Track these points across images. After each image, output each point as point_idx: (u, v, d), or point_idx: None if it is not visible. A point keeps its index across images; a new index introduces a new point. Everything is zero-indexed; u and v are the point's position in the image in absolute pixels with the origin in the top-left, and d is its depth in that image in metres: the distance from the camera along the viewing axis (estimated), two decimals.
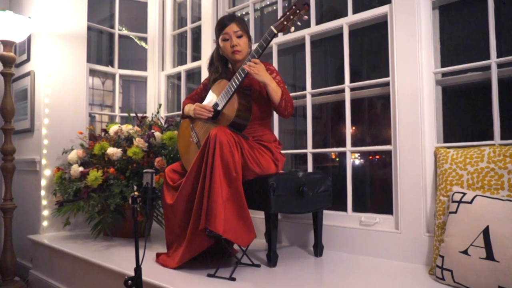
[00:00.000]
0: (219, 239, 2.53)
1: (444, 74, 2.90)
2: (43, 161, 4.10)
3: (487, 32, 2.64)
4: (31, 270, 3.90)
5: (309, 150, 3.51)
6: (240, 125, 2.75)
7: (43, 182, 4.09)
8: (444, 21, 2.94)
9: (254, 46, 2.74)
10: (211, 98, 2.93)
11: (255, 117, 2.83)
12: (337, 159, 3.69)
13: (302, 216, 3.31)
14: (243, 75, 2.68)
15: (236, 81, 2.70)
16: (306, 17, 2.61)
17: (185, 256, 2.61)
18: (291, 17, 2.59)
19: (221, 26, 2.90)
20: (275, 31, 2.61)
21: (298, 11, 2.57)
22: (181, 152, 3.07)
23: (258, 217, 3.32)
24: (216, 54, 3.01)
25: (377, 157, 3.41)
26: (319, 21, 3.57)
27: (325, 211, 3.08)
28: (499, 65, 2.61)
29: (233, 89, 2.72)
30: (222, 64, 3.02)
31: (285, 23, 2.60)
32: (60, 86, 4.25)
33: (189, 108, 3.00)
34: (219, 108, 2.80)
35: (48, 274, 3.63)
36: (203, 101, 3.02)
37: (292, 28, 2.64)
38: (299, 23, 2.63)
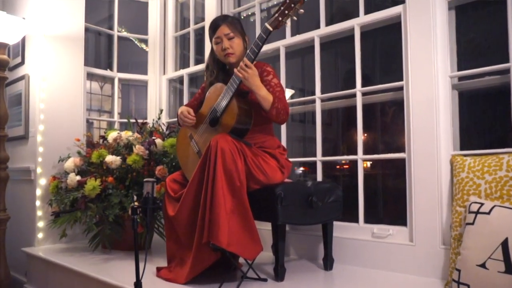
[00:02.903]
0: (223, 252, 2.55)
1: (460, 78, 2.92)
2: (38, 170, 4.14)
3: (506, 33, 2.66)
4: (25, 285, 3.94)
5: (319, 158, 3.54)
6: (242, 130, 2.78)
7: (38, 192, 4.13)
8: (460, 22, 2.96)
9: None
10: (207, 104, 2.96)
11: (255, 123, 2.84)
12: (346, 167, 3.71)
13: (311, 227, 3.33)
14: (237, 82, 2.72)
15: (234, 84, 2.73)
16: (302, 11, 2.60)
17: (192, 271, 2.64)
18: (286, 11, 2.59)
19: (213, 28, 2.97)
20: (270, 28, 2.62)
21: (293, 5, 2.57)
22: (181, 162, 3.10)
23: (264, 228, 3.34)
24: (211, 57, 3.08)
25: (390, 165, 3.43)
26: (329, 22, 3.61)
27: (335, 223, 3.10)
28: None
29: (231, 94, 2.75)
30: (218, 67, 3.06)
31: (280, 18, 2.60)
32: (56, 91, 4.30)
33: (179, 111, 3.06)
34: (218, 114, 2.83)
35: None
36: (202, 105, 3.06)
37: (288, 23, 2.65)
38: (295, 18, 2.63)
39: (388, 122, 3.47)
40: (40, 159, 4.16)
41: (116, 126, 4.96)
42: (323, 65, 3.60)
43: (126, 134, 3.91)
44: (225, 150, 2.52)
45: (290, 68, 3.90)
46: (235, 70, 2.68)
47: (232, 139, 2.61)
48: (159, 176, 3.56)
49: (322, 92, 3.58)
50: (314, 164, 3.59)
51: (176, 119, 4.85)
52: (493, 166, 2.46)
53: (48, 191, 4.04)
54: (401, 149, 3.09)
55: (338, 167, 3.81)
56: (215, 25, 2.94)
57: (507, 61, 2.65)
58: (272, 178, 2.79)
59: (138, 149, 3.64)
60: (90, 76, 4.83)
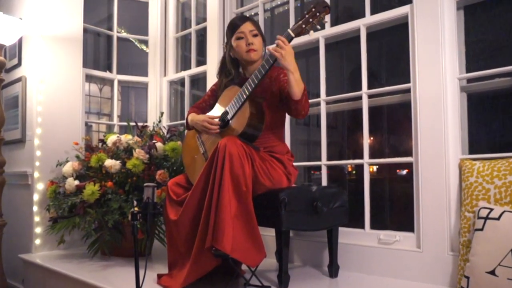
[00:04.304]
0: (226, 258, 2.55)
1: (469, 80, 2.94)
2: (36, 174, 4.16)
3: None
4: None
5: (324, 162, 3.56)
6: (252, 135, 2.78)
7: (36, 197, 4.15)
8: (469, 23, 2.98)
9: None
10: (220, 106, 2.98)
11: (267, 127, 2.85)
12: (354, 172, 3.72)
13: (316, 233, 3.34)
14: (253, 85, 2.70)
15: (249, 87, 2.72)
16: (326, 20, 2.61)
17: (190, 277, 2.64)
18: (311, 20, 2.58)
19: (234, 26, 2.96)
20: (292, 34, 2.61)
21: (318, 14, 2.56)
22: (186, 164, 3.12)
23: (268, 234, 3.36)
24: (228, 56, 3.05)
25: (398, 170, 3.44)
26: (334, 23, 3.63)
27: (340, 228, 3.11)
28: None
29: (245, 96, 2.74)
30: (235, 67, 3.06)
31: (304, 26, 2.59)
32: (54, 93, 4.33)
33: (192, 119, 3.04)
34: (229, 116, 2.84)
35: None
36: (212, 109, 3.07)
37: (311, 32, 2.63)
38: (318, 27, 2.62)
39: (395, 125, 3.48)
40: (37, 163, 4.18)
41: (116, 129, 4.99)
42: (328, 66, 3.61)
43: (126, 138, 3.92)
44: (233, 154, 2.53)
45: None
46: (270, 49, 2.63)
47: (241, 142, 2.62)
48: (159, 181, 3.58)
49: (327, 94, 3.60)
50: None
51: (177, 122, 4.90)
52: (503, 170, 2.47)
53: (45, 196, 4.05)
54: (408, 153, 3.10)
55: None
56: (237, 23, 2.95)
57: None
58: (278, 185, 2.81)
59: (138, 153, 3.65)
60: (89, 78, 4.86)
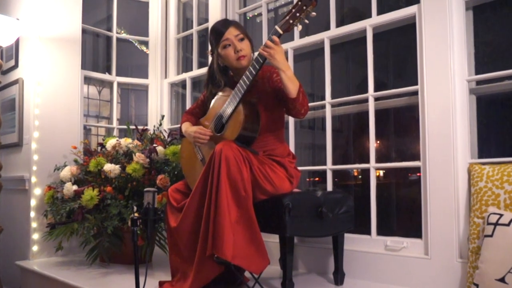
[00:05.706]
0: (228, 265, 2.55)
1: (478, 82, 2.95)
2: (33, 179, 4.18)
3: None
4: None
5: (329, 166, 3.57)
6: (248, 138, 2.79)
7: (33, 202, 4.16)
8: (478, 23, 2.99)
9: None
10: (214, 110, 2.97)
11: (264, 129, 2.85)
12: (360, 176, 3.73)
13: (321, 240, 3.35)
14: (245, 87, 2.71)
15: (242, 89, 2.72)
16: (314, 13, 2.60)
17: (194, 285, 2.65)
18: (297, 14, 2.58)
19: (217, 33, 2.91)
20: (280, 31, 2.61)
21: (304, 7, 2.56)
22: (184, 170, 3.13)
23: (271, 241, 3.36)
24: (217, 66, 3.00)
25: (410, 174, 3.45)
26: (339, 23, 3.64)
27: (346, 235, 3.12)
28: None
29: (237, 99, 2.74)
30: (224, 77, 3.02)
31: (291, 21, 2.60)
32: (52, 96, 4.35)
33: (185, 130, 3.05)
34: (224, 120, 2.84)
35: None
36: (204, 115, 3.08)
37: (300, 27, 2.64)
38: (306, 21, 2.63)
39: (402, 128, 3.49)
40: (34, 168, 4.19)
41: (115, 133, 5.00)
42: (333, 68, 3.62)
43: (126, 142, 3.94)
44: (229, 158, 2.53)
45: (298, 71, 3.89)
46: (260, 49, 2.63)
47: (237, 146, 2.62)
48: (160, 186, 3.58)
49: (333, 97, 3.61)
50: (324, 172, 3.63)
51: (178, 126, 4.90)
52: None
53: (43, 201, 4.06)
54: (416, 157, 3.11)
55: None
56: (220, 29, 2.90)
57: None
58: (280, 188, 2.80)
59: (138, 157, 3.66)
60: (88, 80, 4.88)
